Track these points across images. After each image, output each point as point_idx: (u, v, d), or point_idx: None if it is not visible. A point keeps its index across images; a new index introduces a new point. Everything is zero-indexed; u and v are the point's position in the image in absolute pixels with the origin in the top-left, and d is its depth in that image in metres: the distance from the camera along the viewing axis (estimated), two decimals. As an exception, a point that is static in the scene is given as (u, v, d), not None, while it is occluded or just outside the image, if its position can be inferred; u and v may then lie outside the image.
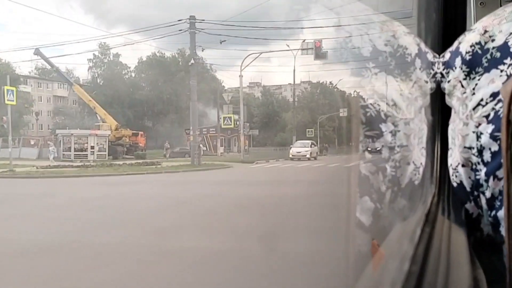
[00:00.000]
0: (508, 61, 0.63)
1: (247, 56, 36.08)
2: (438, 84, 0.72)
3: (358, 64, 0.74)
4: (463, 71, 0.68)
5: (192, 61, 30.14)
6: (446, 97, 0.71)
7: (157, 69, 50.34)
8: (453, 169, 0.70)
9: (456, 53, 0.70)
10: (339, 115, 51.95)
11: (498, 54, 0.64)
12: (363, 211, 0.70)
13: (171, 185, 17.04)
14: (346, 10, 0.76)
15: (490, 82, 0.64)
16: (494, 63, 0.64)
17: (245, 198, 12.31)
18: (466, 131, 0.66)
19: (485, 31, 0.66)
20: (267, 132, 54.32)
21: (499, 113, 0.61)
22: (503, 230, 0.61)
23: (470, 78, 0.67)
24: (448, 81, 0.70)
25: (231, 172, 24.21)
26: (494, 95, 0.63)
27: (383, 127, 0.71)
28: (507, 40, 0.63)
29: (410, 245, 0.67)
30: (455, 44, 0.71)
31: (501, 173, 0.60)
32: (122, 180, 18.82)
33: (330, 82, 57.45)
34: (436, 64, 0.72)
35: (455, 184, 0.71)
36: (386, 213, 0.72)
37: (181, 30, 30.84)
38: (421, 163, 0.73)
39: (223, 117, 39.17)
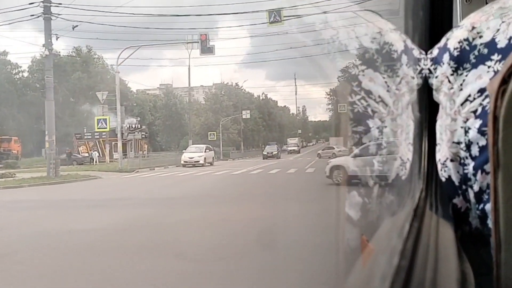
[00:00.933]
0: (495, 57, 0.64)
1: (124, 49, 31.22)
2: (425, 80, 0.73)
3: (345, 61, 0.74)
4: (451, 67, 0.69)
5: (46, 51, 24.44)
6: (434, 92, 0.72)
7: (52, 69, 46.20)
8: (441, 164, 0.71)
9: (444, 49, 0.71)
10: (242, 117, 51.81)
11: (486, 51, 0.65)
12: (351, 206, 0.70)
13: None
14: (332, 7, 0.75)
15: (477, 78, 0.65)
16: (482, 59, 0.65)
17: (32, 239, 7.85)
18: (454, 126, 0.67)
19: (473, 28, 0.67)
20: (171, 136, 51.18)
21: (487, 108, 0.62)
22: (490, 223, 0.63)
23: (457, 74, 0.68)
24: (436, 77, 0.71)
25: (88, 186, 19.41)
26: (481, 91, 0.64)
27: (370, 123, 0.71)
28: (494, 37, 0.64)
29: (399, 240, 0.68)
30: (443, 40, 0.72)
31: (488, 167, 0.62)
32: None
33: (236, 84, 55.93)
34: (423, 60, 0.73)
35: (443, 179, 0.72)
36: (374, 208, 0.73)
37: (33, 15, 25.96)
38: (407, 158, 0.74)
39: (96, 119, 32.23)
